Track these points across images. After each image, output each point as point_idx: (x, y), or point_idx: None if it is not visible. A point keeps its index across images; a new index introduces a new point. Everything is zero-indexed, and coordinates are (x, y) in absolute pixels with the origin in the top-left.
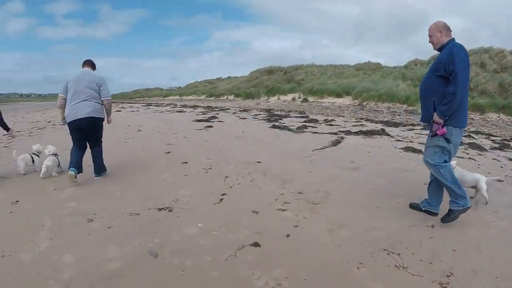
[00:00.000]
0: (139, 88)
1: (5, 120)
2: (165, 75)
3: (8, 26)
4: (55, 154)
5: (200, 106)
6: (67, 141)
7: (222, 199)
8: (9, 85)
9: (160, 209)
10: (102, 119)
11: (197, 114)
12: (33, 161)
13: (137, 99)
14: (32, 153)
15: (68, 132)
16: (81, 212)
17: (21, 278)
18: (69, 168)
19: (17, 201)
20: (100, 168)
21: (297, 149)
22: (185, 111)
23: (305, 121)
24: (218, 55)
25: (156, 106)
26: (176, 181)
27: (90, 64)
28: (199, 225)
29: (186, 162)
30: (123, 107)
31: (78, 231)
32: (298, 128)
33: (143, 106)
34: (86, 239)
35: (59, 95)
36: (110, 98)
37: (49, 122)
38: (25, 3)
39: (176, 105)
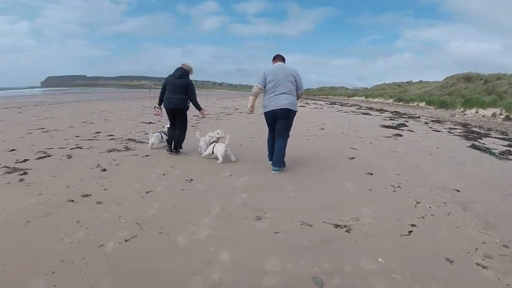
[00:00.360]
0: (324, 86)
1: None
2: (351, 74)
3: (204, 23)
4: (218, 139)
5: (387, 111)
6: (250, 129)
7: (411, 231)
8: (205, 74)
9: (336, 226)
10: (295, 113)
11: (384, 119)
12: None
13: (321, 96)
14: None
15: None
16: (251, 207)
17: (168, 262)
18: (268, 157)
19: (191, 180)
20: (280, 162)
21: (503, 182)
22: (371, 114)
23: (508, 145)
24: (408, 56)
25: (340, 105)
26: (359, 194)
27: (282, 58)
28: (380, 260)
29: (371, 173)
30: (307, 103)
31: (242, 227)
32: (502, 153)
33: (327, 104)
34: (248, 239)
35: (257, 85)
36: (303, 90)
37: (236, 109)
38: (219, 2)
39: (361, 106)
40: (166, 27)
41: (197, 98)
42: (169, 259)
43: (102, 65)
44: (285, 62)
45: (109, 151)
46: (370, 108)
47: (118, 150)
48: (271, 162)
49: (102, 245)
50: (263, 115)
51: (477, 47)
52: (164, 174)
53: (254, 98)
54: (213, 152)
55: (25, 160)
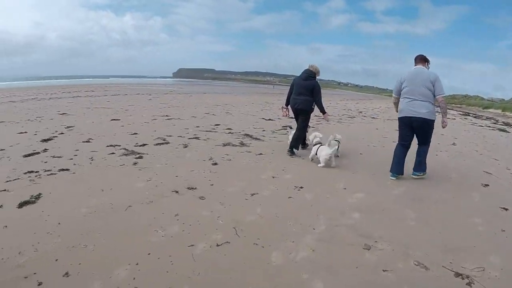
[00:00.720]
0: (456, 93)
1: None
2: (487, 82)
3: (331, 21)
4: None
5: None
6: (373, 136)
7: None
8: (330, 72)
9: (457, 275)
10: (434, 121)
11: None
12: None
13: (453, 105)
14: (335, 140)
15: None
16: (361, 231)
17: (255, 280)
18: (390, 171)
19: (301, 187)
20: (420, 167)
21: None
22: (508, 131)
23: None
24: None
25: (474, 117)
26: (489, 235)
27: (422, 59)
28: None
29: (506, 209)
30: (437, 111)
31: (347, 255)
32: None
33: (460, 114)
34: (350, 273)
35: (394, 96)
36: (444, 95)
37: (360, 112)
38: (346, 0)
39: (497, 120)
40: (292, 25)
41: (322, 99)
42: (257, 276)
43: (230, 60)
44: (428, 62)
45: (224, 145)
46: (507, 124)
47: (233, 145)
48: (393, 177)
49: (192, 245)
50: (398, 120)
51: None
52: (273, 177)
53: (396, 106)
54: (316, 154)
55: (144, 145)
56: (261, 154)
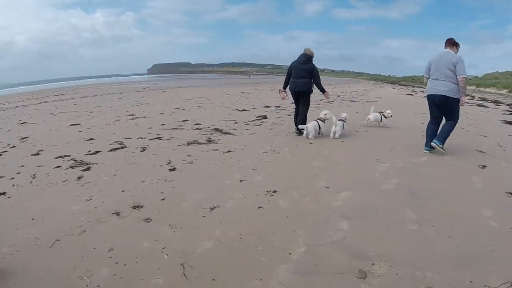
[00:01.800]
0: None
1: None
2: None
3: (306, 8)
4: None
5: (503, 103)
6: (354, 120)
7: None
8: None
9: None
10: (456, 99)
11: (503, 113)
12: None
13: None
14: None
15: None
16: (352, 248)
17: None
18: (425, 144)
19: (274, 192)
20: (440, 138)
21: None
22: (487, 106)
23: None
24: None
25: None
26: (506, 233)
27: (451, 43)
28: None
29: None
30: (414, 91)
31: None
32: None
33: None
34: None
35: (424, 75)
36: (465, 76)
37: (338, 96)
38: None
39: (473, 97)
40: (267, 14)
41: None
42: None
43: (206, 52)
44: (457, 46)
45: (188, 144)
46: (484, 99)
47: (198, 143)
48: (426, 151)
49: None
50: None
51: None
52: (241, 180)
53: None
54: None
55: (96, 152)
56: (229, 151)
